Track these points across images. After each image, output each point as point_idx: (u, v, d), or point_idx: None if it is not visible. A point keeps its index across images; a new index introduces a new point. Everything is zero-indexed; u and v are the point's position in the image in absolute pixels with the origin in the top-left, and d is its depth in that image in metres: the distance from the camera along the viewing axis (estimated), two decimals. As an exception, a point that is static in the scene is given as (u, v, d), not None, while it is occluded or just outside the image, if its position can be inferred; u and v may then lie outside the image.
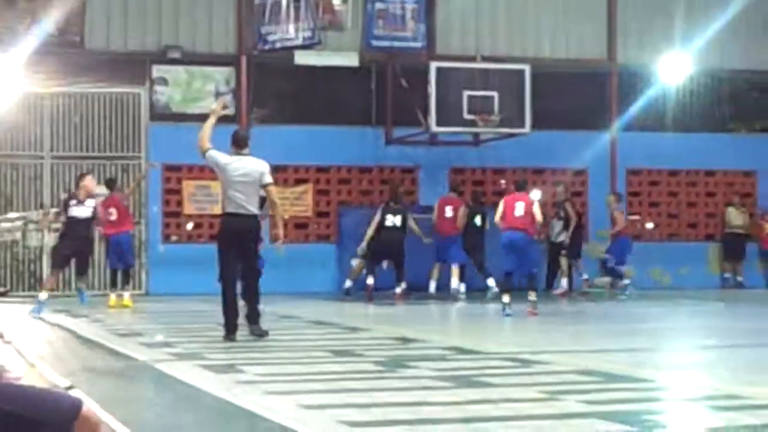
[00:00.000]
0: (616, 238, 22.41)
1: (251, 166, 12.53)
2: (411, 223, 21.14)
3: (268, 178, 12.61)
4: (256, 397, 7.98)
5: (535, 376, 9.39)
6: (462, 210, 21.87)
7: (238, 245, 12.46)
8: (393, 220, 21.11)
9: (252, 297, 12.64)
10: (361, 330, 14.24)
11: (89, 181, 18.29)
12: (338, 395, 8.16)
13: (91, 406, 4.46)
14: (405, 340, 12.67)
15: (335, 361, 10.57)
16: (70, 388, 7.58)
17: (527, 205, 17.02)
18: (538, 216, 16.91)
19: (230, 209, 12.52)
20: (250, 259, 12.60)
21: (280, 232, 13.00)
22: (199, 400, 8.09)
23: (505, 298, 16.55)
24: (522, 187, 17.88)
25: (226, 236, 12.59)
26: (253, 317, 12.62)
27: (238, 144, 12.72)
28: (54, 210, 21.18)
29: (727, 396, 8.15)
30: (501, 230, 17.28)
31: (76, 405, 4.24)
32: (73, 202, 17.95)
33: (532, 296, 16.63)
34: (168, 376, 9.38)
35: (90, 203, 18.13)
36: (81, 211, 17.94)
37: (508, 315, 16.17)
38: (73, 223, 17.92)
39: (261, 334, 12.48)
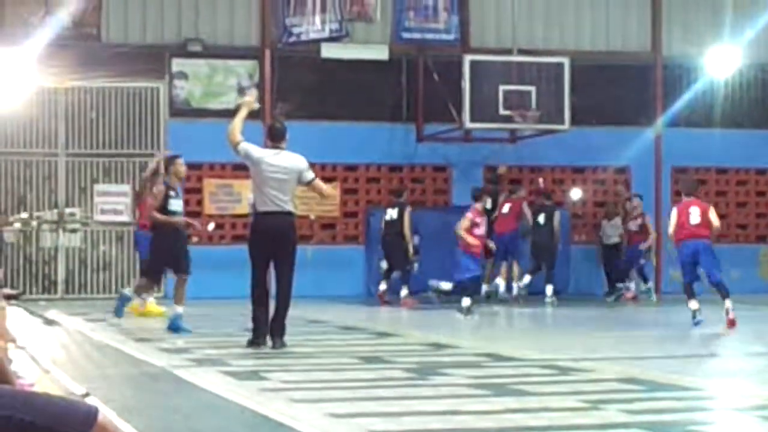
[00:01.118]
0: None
1: (289, 162, 12.12)
2: (405, 220, 20.99)
3: (311, 174, 12.25)
4: (281, 405, 7.99)
5: (575, 384, 9.36)
6: (524, 207, 21.98)
7: (273, 247, 12.05)
8: (391, 213, 21.19)
9: (283, 307, 12.18)
10: (392, 335, 14.24)
11: (181, 165, 15.62)
12: (367, 403, 8.16)
13: (107, 414, 4.48)
14: (437, 345, 12.66)
15: (364, 367, 10.58)
16: (86, 395, 7.63)
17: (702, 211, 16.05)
18: (716, 222, 16.02)
19: (265, 208, 12.08)
20: (285, 263, 12.15)
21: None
22: (221, 408, 8.10)
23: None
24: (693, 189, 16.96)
25: (259, 237, 12.15)
26: (279, 330, 12.15)
27: (275, 137, 12.35)
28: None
29: (778, 405, 8.11)
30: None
31: (93, 413, 4.26)
32: (172, 192, 15.21)
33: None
34: (188, 382, 9.41)
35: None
36: (178, 203, 15.33)
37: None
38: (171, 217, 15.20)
39: (281, 347, 12.04)
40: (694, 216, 15.93)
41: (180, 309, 14.67)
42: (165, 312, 16.72)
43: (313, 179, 12.28)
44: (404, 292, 20.67)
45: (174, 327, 14.41)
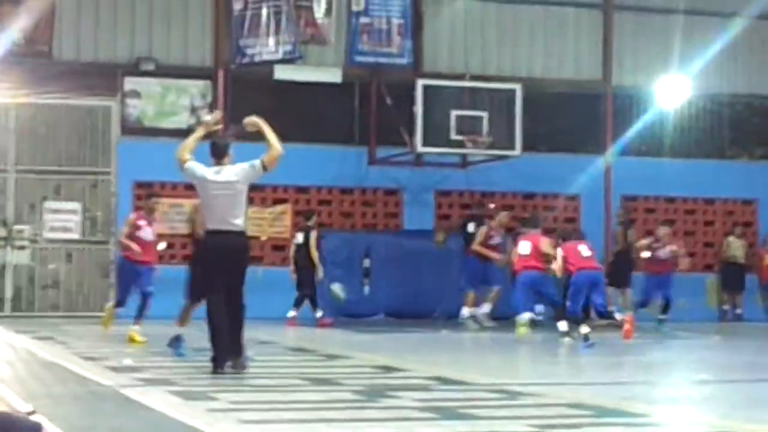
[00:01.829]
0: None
1: (232, 175, 11.82)
2: (311, 244, 21.00)
3: (256, 161, 11.90)
4: (230, 426, 7.95)
5: (524, 409, 9.38)
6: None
7: (224, 266, 11.74)
8: (298, 237, 21.28)
9: (238, 326, 11.84)
10: (341, 357, 14.21)
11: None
12: (316, 425, 8.14)
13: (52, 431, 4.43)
14: (386, 368, 12.65)
15: (313, 389, 10.54)
16: (31, 413, 7.53)
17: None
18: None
19: (213, 226, 11.82)
20: (237, 283, 11.82)
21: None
22: (169, 429, 8.04)
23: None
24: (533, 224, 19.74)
25: (211, 256, 11.88)
26: (237, 349, 11.77)
27: (216, 154, 12.09)
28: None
29: (724, 432, 8.16)
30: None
31: (37, 429, 4.22)
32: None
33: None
34: (135, 402, 9.33)
35: None
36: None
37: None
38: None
39: (243, 368, 11.70)
40: (524, 248, 18.54)
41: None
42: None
43: (261, 160, 11.90)
44: (319, 313, 20.70)
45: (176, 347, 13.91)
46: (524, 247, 18.61)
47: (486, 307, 21.39)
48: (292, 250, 21.49)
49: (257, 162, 11.88)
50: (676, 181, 25.82)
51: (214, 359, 11.69)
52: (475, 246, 21.46)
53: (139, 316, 16.74)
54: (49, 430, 4.31)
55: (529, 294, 18.50)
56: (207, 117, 13.02)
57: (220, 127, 12.40)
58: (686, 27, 26.04)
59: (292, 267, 21.30)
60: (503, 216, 22.18)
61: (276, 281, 22.35)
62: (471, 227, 22.42)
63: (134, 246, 16.69)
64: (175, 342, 13.90)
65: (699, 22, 26.17)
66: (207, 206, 11.95)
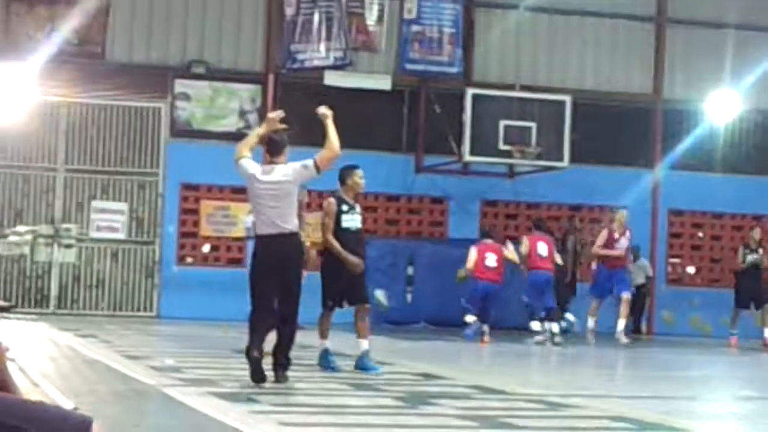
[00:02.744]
0: None
1: (282, 174, 10.91)
2: None
3: (308, 161, 11.03)
4: (271, 428, 7.96)
5: (565, 420, 9.34)
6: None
7: (275, 273, 10.75)
8: None
9: (288, 338, 10.99)
10: (382, 364, 14.19)
11: (360, 178, 13.45)
12: (356, 430, 8.14)
13: (100, 426, 4.45)
14: (427, 376, 12.63)
15: (354, 394, 10.54)
16: (74, 409, 7.59)
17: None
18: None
19: (263, 230, 10.89)
20: (291, 290, 10.93)
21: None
22: (210, 429, 8.07)
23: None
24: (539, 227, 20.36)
25: (260, 263, 10.85)
26: (283, 362, 10.94)
27: (271, 150, 11.20)
28: None
29: (767, 449, 8.10)
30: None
31: (86, 423, 4.24)
32: (344, 207, 12.97)
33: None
34: (177, 402, 9.37)
35: (359, 209, 13.20)
36: (353, 219, 12.94)
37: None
38: (344, 236, 12.71)
39: (284, 381, 10.88)
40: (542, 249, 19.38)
41: (365, 344, 12.81)
42: None
43: (314, 160, 11.06)
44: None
45: (361, 366, 12.65)
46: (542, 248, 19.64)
47: (591, 322, 20.29)
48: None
49: (310, 162, 11.03)
50: (724, 196, 25.65)
51: (252, 375, 10.66)
52: (596, 249, 20.53)
53: None
54: (97, 423, 4.31)
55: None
56: (271, 114, 12.19)
57: (282, 127, 11.58)
58: (738, 42, 25.88)
59: None
60: (621, 215, 20.73)
61: (318, 286, 22.39)
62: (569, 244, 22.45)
63: None
64: (324, 358, 12.72)
65: (751, 37, 26.01)
66: (256, 207, 11.06)
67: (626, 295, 20.16)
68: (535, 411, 9.84)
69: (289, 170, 11.01)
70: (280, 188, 10.90)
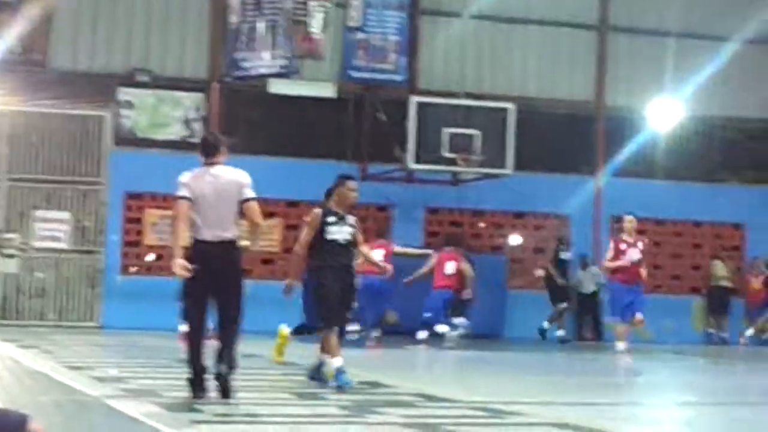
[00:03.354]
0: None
1: (226, 178, 10.29)
2: None
3: (249, 192, 10.24)
4: (213, 438, 7.90)
5: (509, 428, 9.34)
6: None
7: (212, 280, 10.16)
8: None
9: (229, 347, 10.25)
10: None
11: (350, 189, 12.51)
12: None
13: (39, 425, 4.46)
14: (371, 384, 12.60)
15: (298, 403, 10.49)
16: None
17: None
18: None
19: (201, 235, 10.17)
20: (229, 298, 10.29)
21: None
22: (152, 439, 7.99)
23: None
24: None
25: (196, 270, 10.05)
26: (227, 360, 10.19)
27: (207, 152, 10.42)
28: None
29: (708, 455, 8.14)
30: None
31: (24, 419, 4.26)
32: (330, 218, 12.12)
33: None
34: (120, 413, 9.28)
35: (351, 221, 12.37)
36: (341, 231, 12.10)
37: None
38: (330, 248, 11.98)
39: (227, 395, 10.16)
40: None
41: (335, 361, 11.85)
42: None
43: (248, 199, 10.18)
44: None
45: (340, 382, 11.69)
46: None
47: (621, 346, 18.69)
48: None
49: (249, 194, 10.26)
50: (666, 203, 25.86)
51: (192, 387, 10.24)
52: (606, 263, 19.42)
53: None
54: (35, 422, 4.32)
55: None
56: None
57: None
58: (679, 50, 26.09)
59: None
60: (628, 221, 19.60)
61: (263, 295, 22.32)
62: (565, 255, 22.75)
63: None
64: (337, 375, 11.75)
65: (692, 46, 26.22)
66: (195, 212, 10.22)
67: (639, 316, 18.55)
68: (479, 419, 9.83)
69: (237, 178, 10.29)
70: (220, 191, 10.20)
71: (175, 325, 12.67)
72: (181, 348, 10.72)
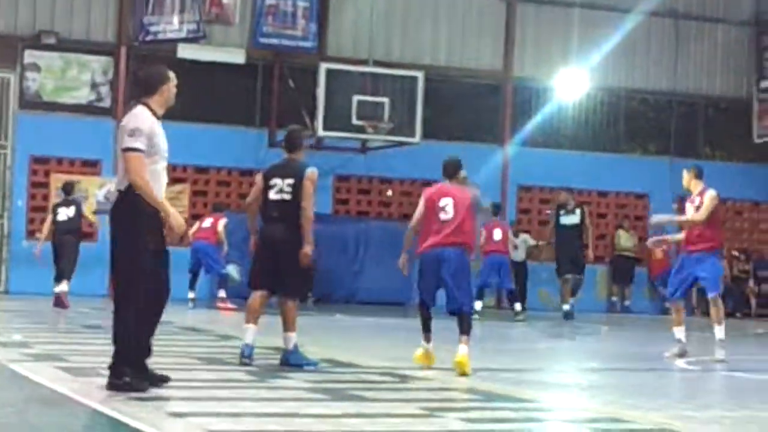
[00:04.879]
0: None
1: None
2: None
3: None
4: (118, 403, 7.83)
5: (415, 392, 9.40)
6: None
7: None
8: (66, 212, 19.35)
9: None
10: (235, 338, 14.09)
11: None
12: (206, 403, 8.07)
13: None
14: (279, 349, 12.56)
15: (205, 368, 10.46)
16: None
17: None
18: None
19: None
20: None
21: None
22: (57, 404, 7.90)
23: None
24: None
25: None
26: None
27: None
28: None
29: (609, 419, 8.26)
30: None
31: None
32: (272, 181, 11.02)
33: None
34: (24, 377, 9.17)
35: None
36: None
37: None
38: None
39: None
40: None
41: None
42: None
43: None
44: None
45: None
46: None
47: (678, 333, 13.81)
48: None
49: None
50: (572, 172, 26.04)
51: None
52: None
53: None
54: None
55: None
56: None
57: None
58: (585, 20, 26.32)
59: None
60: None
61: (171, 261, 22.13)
62: (568, 218, 21.72)
63: None
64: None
65: (598, 17, 26.44)
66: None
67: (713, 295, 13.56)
68: (385, 384, 9.87)
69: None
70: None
71: (80, 290, 12.53)
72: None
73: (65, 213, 19.20)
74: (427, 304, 11.39)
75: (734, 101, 27.89)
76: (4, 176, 23.10)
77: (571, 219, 21.48)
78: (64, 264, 18.82)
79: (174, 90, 9.04)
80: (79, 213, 19.34)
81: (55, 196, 23.12)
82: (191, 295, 20.68)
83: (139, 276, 8.40)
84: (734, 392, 10.95)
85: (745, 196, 27.49)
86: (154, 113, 8.87)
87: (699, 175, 13.59)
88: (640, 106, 27.60)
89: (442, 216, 11.10)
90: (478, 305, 20.83)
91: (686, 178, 13.58)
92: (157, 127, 8.80)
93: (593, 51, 25.93)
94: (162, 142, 8.81)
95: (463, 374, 10.43)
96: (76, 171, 23.18)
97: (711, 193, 13.30)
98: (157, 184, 8.63)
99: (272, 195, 10.90)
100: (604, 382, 11.21)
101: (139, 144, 8.56)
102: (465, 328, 10.97)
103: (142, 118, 8.73)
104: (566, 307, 21.53)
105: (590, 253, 22.25)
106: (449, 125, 25.30)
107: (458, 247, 11.05)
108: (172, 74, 9.16)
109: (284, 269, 10.74)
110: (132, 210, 8.45)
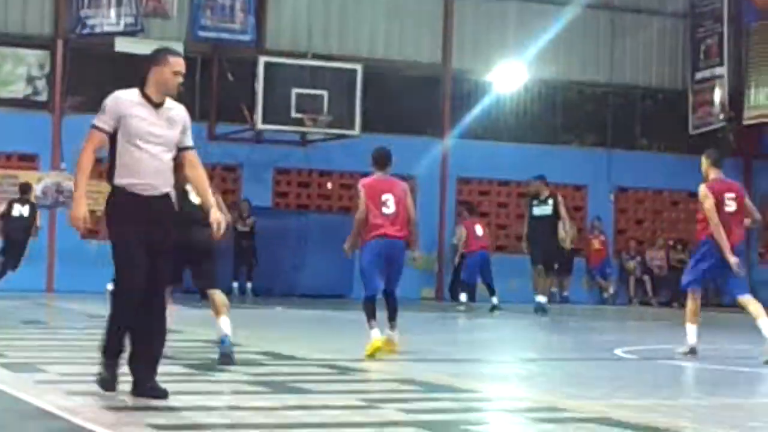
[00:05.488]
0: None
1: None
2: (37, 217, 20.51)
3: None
4: (57, 398, 7.80)
5: (354, 384, 9.43)
6: None
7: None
8: (20, 210, 20.30)
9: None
10: (175, 332, 14.04)
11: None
12: (147, 398, 8.04)
13: None
14: (219, 342, 12.54)
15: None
16: None
17: None
18: None
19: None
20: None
21: None
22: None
23: None
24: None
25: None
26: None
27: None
28: None
29: (547, 408, 8.33)
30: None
31: None
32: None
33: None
34: (-39, 374, 9.10)
35: None
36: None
37: None
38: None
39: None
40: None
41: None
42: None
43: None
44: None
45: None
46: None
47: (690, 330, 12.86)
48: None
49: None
50: (511, 165, 26.22)
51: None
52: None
53: None
54: None
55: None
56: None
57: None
58: (522, 13, 26.47)
59: None
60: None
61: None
62: (540, 209, 20.95)
63: None
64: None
65: (534, 10, 26.61)
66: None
67: (743, 297, 12.52)
68: (325, 376, 9.90)
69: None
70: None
71: (21, 286, 12.46)
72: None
73: (19, 210, 20.12)
74: (375, 293, 11.99)
75: (670, 92, 28.19)
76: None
77: (543, 210, 21.09)
78: (9, 259, 19.63)
79: (169, 76, 8.35)
80: (33, 214, 20.24)
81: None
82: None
83: (122, 268, 8.19)
84: (672, 381, 11.08)
85: (682, 187, 27.70)
86: (149, 99, 8.42)
87: (715, 162, 12.29)
88: (577, 98, 27.81)
89: (385, 210, 11.82)
90: (462, 297, 21.72)
91: (704, 164, 12.33)
92: (137, 110, 8.29)
93: (531, 44, 26.09)
94: (145, 126, 8.25)
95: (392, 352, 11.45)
96: (14, 165, 22.99)
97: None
98: (137, 173, 8.29)
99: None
100: (541, 373, 11.30)
101: (97, 121, 8.28)
102: (393, 314, 12.21)
103: (116, 96, 8.44)
104: (540, 299, 20.78)
105: (567, 243, 21.94)
106: (388, 118, 25.36)
107: (404, 240, 12.04)
108: (171, 58, 8.43)
109: None
110: (111, 201, 8.35)
